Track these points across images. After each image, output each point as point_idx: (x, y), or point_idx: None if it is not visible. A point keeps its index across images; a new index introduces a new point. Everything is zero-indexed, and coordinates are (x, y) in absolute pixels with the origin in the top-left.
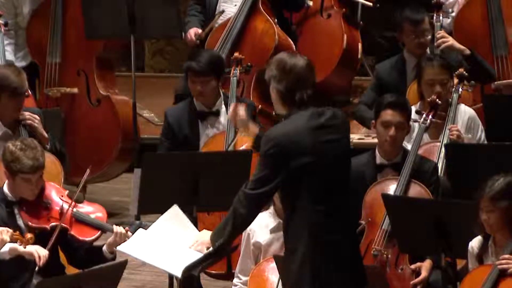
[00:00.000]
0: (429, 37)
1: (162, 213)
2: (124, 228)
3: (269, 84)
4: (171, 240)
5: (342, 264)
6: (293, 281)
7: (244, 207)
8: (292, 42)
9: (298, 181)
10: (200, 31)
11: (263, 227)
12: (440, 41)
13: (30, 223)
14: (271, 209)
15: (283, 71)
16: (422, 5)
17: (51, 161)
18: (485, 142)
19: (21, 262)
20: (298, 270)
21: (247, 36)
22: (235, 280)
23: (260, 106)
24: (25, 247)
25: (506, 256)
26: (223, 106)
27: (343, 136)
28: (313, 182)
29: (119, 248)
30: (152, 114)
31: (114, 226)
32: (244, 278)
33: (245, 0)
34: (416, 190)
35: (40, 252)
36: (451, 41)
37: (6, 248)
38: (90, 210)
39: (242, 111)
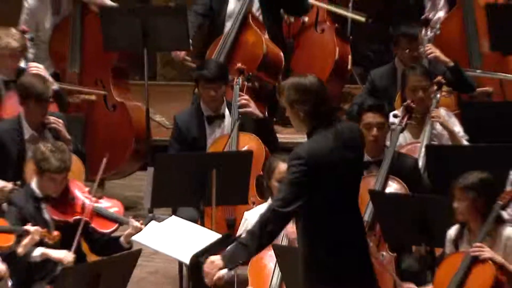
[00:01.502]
0: (422, 50)
1: (172, 207)
2: (139, 221)
3: (289, 108)
4: (181, 231)
5: (358, 266)
6: (311, 283)
7: (273, 224)
8: (279, 50)
9: (319, 195)
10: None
11: None
12: (428, 51)
13: (55, 217)
14: (270, 201)
15: (305, 92)
16: (412, 21)
17: (74, 161)
18: (464, 134)
19: None
20: (318, 274)
21: (240, 48)
22: None
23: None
24: (51, 243)
25: (478, 244)
26: (226, 110)
27: (359, 153)
28: (333, 196)
29: (134, 238)
30: (163, 118)
31: (131, 220)
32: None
33: (237, 16)
34: (394, 186)
35: (68, 258)
36: (438, 53)
37: (38, 252)
38: (109, 205)
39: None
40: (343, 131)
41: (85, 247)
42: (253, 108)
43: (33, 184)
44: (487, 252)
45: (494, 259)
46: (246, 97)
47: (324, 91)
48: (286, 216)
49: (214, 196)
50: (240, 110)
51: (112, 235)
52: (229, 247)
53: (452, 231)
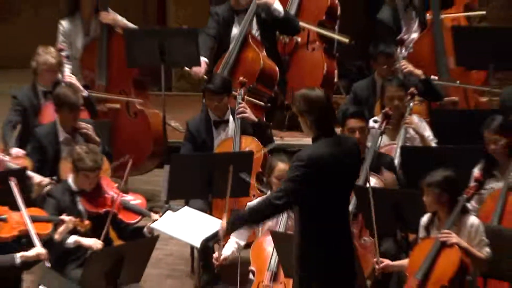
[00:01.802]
0: (397, 65)
1: (185, 199)
2: (158, 214)
3: (299, 116)
4: (192, 219)
5: (344, 254)
6: (309, 268)
7: (265, 211)
8: (275, 65)
9: (315, 193)
10: (203, 69)
11: None
12: (403, 67)
13: (87, 209)
14: (268, 193)
15: (311, 104)
16: (391, 41)
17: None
18: (433, 138)
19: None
20: (309, 261)
21: (241, 63)
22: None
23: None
24: (83, 231)
25: (446, 231)
26: (230, 116)
27: (356, 160)
28: (327, 194)
29: (153, 225)
30: (178, 124)
31: (152, 214)
32: (235, 239)
33: (238, 37)
34: (374, 181)
35: (97, 245)
36: (411, 67)
37: (72, 240)
38: (133, 199)
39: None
40: (342, 141)
41: (112, 234)
42: (248, 113)
43: (70, 180)
44: (453, 238)
45: (460, 244)
46: (243, 104)
47: (328, 105)
48: (277, 207)
49: (229, 189)
50: (238, 116)
51: (137, 225)
52: (233, 216)
53: (425, 218)
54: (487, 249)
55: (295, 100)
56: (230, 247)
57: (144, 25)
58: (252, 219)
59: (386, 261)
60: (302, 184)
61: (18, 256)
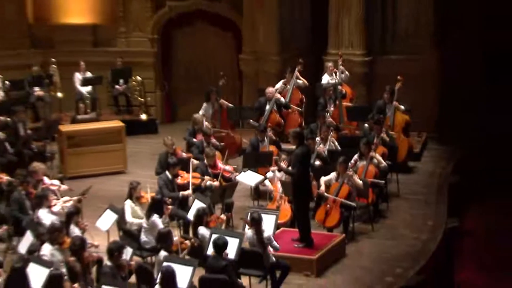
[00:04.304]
0: (327, 119)
1: (248, 168)
2: (236, 176)
3: (290, 138)
4: (251, 175)
5: (310, 186)
6: (298, 194)
7: (289, 174)
8: (282, 119)
9: (301, 167)
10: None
11: (278, 173)
12: (328, 120)
13: (211, 171)
14: (295, 169)
15: (294, 134)
16: (324, 110)
17: (217, 152)
18: (338, 146)
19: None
20: (301, 191)
21: (270, 119)
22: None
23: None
24: (213, 184)
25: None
26: (266, 138)
27: (310, 155)
28: (306, 168)
29: (237, 177)
30: (246, 140)
31: (236, 174)
32: (268, 184)
33: (269, 110)
34: (317, 163)
35: (215, 185)
36: (331, 120)
37: (209, 183)
38: (229, 168)
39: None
40: (307, 146)
41: (221, 180)
42: (272, 137)
43: (205, 160)
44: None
45: (353, 177)
46: (270, 133)
47: (301, 134)
48: (293, 175)
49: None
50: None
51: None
52: (284, 168)
53: (331, 176)
54: (361, 182)
55: (290, 133)
56: (271, 174)
57: (234, 105)
58: (287, 173)
59: (322, 190)
60: (299, 165)
61: (180, 193)
